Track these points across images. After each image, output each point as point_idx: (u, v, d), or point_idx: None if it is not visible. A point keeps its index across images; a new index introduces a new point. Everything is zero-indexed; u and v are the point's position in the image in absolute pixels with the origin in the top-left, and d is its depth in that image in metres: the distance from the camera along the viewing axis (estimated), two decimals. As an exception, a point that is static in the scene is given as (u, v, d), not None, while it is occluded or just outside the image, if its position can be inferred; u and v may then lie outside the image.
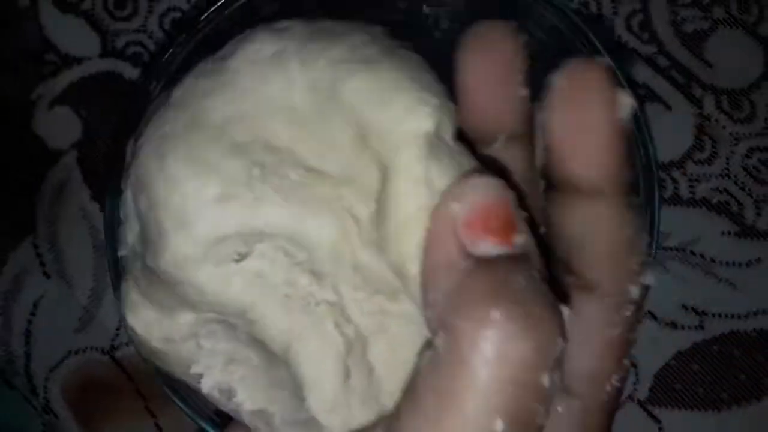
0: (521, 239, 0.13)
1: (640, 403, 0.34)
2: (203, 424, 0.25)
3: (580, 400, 0.16)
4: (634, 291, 0.16)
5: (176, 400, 0.25)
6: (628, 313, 0.16)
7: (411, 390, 0.14)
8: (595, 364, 0.16)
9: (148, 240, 0.16)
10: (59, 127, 0.38)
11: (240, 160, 0.15)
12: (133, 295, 0.18)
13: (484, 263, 0.13)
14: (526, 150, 0.17)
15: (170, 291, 0.16)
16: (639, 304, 0.16)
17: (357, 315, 0.16)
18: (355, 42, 0.16)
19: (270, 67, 0.16)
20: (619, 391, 0.16)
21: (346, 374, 0.16)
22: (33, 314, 0.37)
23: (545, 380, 0.12)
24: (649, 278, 0.16)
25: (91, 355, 0.36)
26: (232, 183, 0.15)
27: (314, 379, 0.16)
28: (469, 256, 0.13)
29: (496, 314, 0.12)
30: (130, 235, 0.17)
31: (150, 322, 0.17)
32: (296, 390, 0.16)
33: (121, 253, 0.18)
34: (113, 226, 0.27)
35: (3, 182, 0.38)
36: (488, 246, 0.13)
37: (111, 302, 0.36)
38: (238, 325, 0.17)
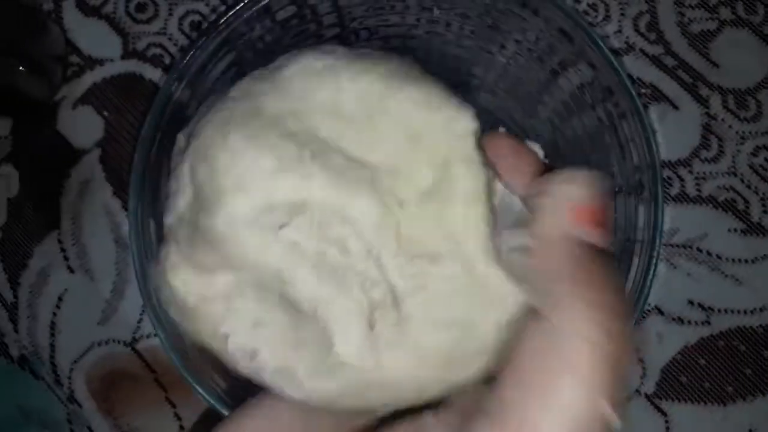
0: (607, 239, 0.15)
1: (647, 397, 0.34)
2: (214, 403, 0.26)
3: None
4: None
5: (188, 378, 0.26)
6: None
7: (515, 366, 0.14)
8: None
9: (204, 203, 0.18)
10: (82, 127, 0.39)
11: (293, 143, 0.18)
12: (173, 256, 0.20)
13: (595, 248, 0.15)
14: None
15: (213, 251, 0.18)
16: None
17: (396, 277, 0.18)
18: (394, 64, 0.20)
19: (321, 77, 0.19)
20: None
21: (371, 325, 0.18)
22: (58, 307, 0.38)
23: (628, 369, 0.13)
24: None
25: (113, 346, 0.37)
26: (286, 159, 0.18)
27: (341, 329, 0.18)
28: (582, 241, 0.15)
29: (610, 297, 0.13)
30: (182, 202, 0.20)
31: (188, 281, 0.19)
32: (322, 345, 0.18)
33: (168, 220, 0.20)
34: (137, 220, 0.29)
35: (29, 180, 0.39)
36: (599, 236, 0.15)
37: (133, 296, 0.37)
38: (271, 287, 0.18)
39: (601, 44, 0.28)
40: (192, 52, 0.29)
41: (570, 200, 0.15)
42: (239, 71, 0.31)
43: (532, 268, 0.16)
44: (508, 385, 0.14)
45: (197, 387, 0.27)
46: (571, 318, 0.14)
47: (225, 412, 0.27)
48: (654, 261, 0.26)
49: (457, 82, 0.34)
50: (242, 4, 0.29)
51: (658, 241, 0.27)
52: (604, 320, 0.13)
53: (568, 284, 0.14)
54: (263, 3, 0.29)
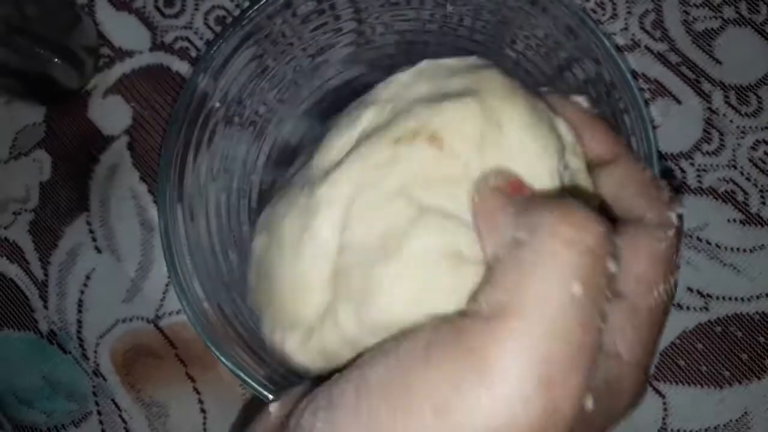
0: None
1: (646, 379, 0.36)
2: (238, 372, 0.28)
3: (630, 298, 0.19)
4: (672, 216, 0.20)
5: (211, 347, 0.28)
6: (670, 233, 0.20)
7: (494, 271, 0.17)
8: (643, 269, 0.19)
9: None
10: (112, 115, 0.41)
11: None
12: (291, 344, 0.23)
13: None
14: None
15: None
16: (678, 228, 0.20)
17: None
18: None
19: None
20: (665, 306, 0.20)
21: None
22: (85, 285, 0.40)
23: (611, 265, 0.16)
24: (680, 208, 0.20)
25: (137, 323, 0.39)
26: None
27: None
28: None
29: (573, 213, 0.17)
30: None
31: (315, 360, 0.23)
32: None
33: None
34: (166, 208, 0.31)
35: (61, 164, 0.41)
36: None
37: (156, 276, 0.39)
38: None
39: (605, 41, 0.29)
40: (217, 45, 0.31)
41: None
42: (260, 64, 0.33)
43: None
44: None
45: (220, 356, 0.29)
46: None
47: (248, 380, 0.28)
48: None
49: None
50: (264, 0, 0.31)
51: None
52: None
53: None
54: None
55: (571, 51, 0.31)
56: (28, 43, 0.36)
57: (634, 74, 0.38)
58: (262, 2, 0.31)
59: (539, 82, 0.33)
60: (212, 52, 0.31)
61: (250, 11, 0.31)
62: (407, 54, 0.35)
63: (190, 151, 0.32)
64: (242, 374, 0.28)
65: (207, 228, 0.33)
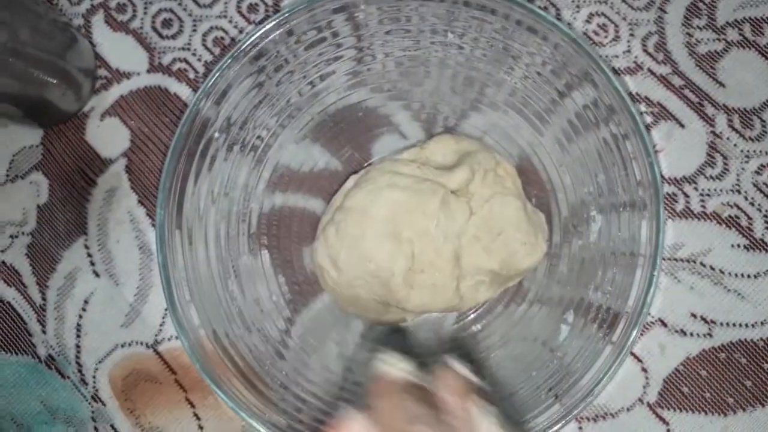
0: None
1: (650, 406, 0.35)
2: (232, 405, 0.28)
3: None
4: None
5: (207, 379, 0.28)
6: None
7: None
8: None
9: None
10: (109, 137, 0.40)
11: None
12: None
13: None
14: None
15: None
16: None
17: None
18: None
19: None
20: None
21: None
22: (84, 310, 0.39)
23: None
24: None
25: (136, 348, 0.39)
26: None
27: None
28: None
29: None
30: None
31: None
32: None
33: None
34: (164, 231, 0.30)
35: (58, 187, 0.41)
36: None
37: (155, 300, 0.39)
38: None
39: (603, 65, 0.28)
40: (219, 71, 0.30)
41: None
42: (262, 90, 0.33)
43: None
44: None
45: (216, 388, 0.28)
46: None
47: (242, 414, 0.28)
48: (656, 269, 0.28)
49: (468, 101, 0.35)
50: (267, 27, 0.30)
51: (659, 251, 0.28)
52: None
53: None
54: (286, 27, 0.30)
55: (570, 78, 0.31)
56: (23, 67, 0.36)
57: (637, 97, 0.37)
58: (265, 29, 0.30)
59: (538, 109, 0.33)
60: (215, 78, 0.31)
61: (253, 38, 0.30)
62: (408, 80, 0.34)
63: (191, 176, 0.32)
64: (234, 406, 0.28)
65: (206, 256, 0.33)
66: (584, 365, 0.30)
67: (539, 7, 0.38)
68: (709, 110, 0.37)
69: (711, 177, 0.37)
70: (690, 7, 0.38)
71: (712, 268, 0.36)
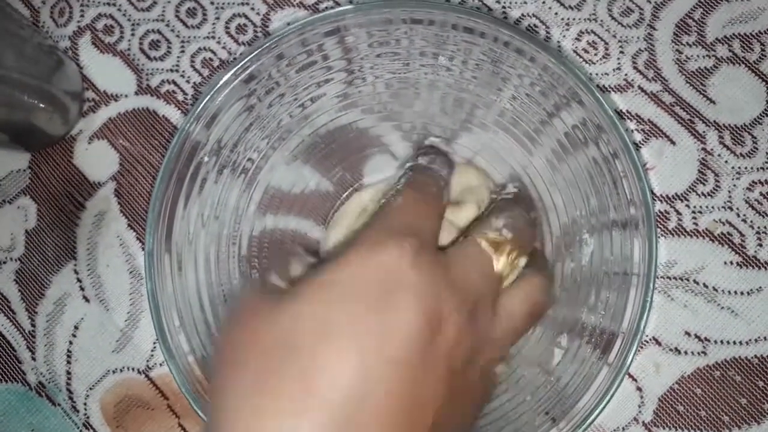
0: None
1: (645, 425, 0.35)
2: None
3: None
4: None
5: (196, 409, 0.27)
6: None
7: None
8: None
9: None
10: (98, 160, 0.40)
11: None
12: None
13: None
14: None
15: None
16: None
17: None
18: None
19: None
20: None
21: None
22: (74, 335, 0.39)
23: None
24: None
25: (127, 374, 0.39)
26: None
27: None
28: None
29: None
30: None
31: None
32: None
33: None
34: (153, 259, 0.30)
35: (47, 212, 0.40)
36: None
37: (146, 325, 0.39)
38: None
39: (589, 84, 0.28)
40: (209, 95, 0.30)
41: None
42: (252, 113, 0.32)
43: None
44: None
45: (204, 418, 0.28)
46: None
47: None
48: (650, 293, 0.28)
49: (458, 121, 0.35)
50: (258, 50, 0.30)
51: (653, 274, 0.28)
52: None
53: None
54: (276, 51, 0.30)
55: (558, 98, 0.31)
56: (9, 93, 0.36)
57: (627, 115, 0.37)
58: (255, 52, 0.30)
59: (527, 129, 0.33)
60: (204, 101, 0.30)
61: (243, 62, 0.30)
62: (398, 101, 0.34)
63: (180, 200, 0.31)
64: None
65: (196, 281, 0.32)
66: (580, 388, 0.29)
67: (528, 27, 0.38)
68: (700, 127, 0.37)
69: (703, 194, 0.37)
70: (680, 23, 0.38)
71: (706, 286, 0.36)
